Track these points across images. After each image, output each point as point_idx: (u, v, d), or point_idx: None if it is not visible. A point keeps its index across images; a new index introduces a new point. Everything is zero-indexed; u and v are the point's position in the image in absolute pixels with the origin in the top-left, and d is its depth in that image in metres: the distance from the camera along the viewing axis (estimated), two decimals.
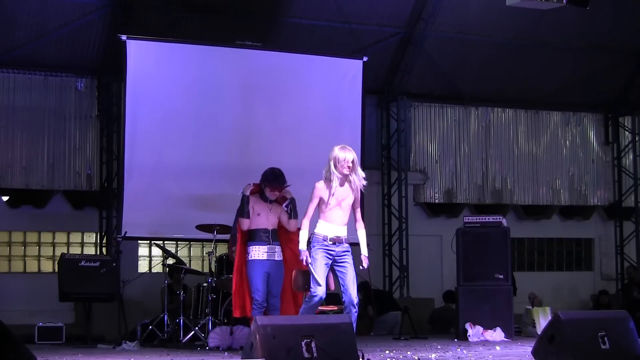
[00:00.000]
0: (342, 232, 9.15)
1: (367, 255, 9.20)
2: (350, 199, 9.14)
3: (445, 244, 15.65)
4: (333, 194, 9.05)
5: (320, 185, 9.09)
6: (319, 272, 9.06)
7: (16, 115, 15.15)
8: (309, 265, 9.07)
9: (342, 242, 9.12)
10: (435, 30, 16.71)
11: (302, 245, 9.15)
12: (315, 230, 9.12)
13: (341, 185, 9.11)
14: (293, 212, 10.38)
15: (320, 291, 9.04)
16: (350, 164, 9.04)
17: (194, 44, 14.29)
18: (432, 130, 17.95)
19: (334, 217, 9.10)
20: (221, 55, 14.27)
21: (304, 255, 9.10)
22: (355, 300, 9.05)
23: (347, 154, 9.02)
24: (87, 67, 15.45)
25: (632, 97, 19.07)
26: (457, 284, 13.18)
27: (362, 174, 9.20)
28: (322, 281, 9.07)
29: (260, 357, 7.26)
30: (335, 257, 9.10)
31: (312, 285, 9.09)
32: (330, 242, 9.08)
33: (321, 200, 9.07)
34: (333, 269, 9.18)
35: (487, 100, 18.28)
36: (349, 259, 9.12)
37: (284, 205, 10.43)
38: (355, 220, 9.31)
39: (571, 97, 18.68)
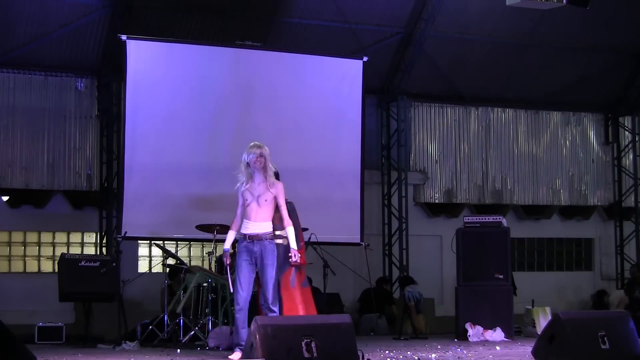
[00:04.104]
0: (260, 229, 9.04)
1: (296, 249, 9.17)
2: (267, 195, 9.04)
3: (445, 244, 15.66)
4: (247, 189, 9.04)
5: (239, 183, 9.20)
6: (242, 277, 8.99)
7: (16, 115, 15.15)
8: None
9: (262, 240, 9.00)
10: (435, 30, 16.70)
11: (226, 244, 9.23)
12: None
13: (257, 181, 9.06)
14: None
15: (240, 298, 8.96)
16: (259, 158, 9.08)
17: (194, 44, 14.30)
18: (432, 130, 17.94)
19: (251, 213, 9.05)
20: (221, 55, 14.27)
21: (225, 257, 9.18)
22: (270, 300, 8.98)
23: (255, 150, 9.15)
24: (87, 67, 15.45)
25: (632, 97, 19.07)
26: (457, 284, 13.19)
27: (272, 168, 9.20)
28: (245, 286, 8.97)
29: (260, 357, 7.27)
30: (256, 256, 9.03)
31: (235, 292, 9.00)
32: (249, 240, 9.01)
33: (242, 197, 9.13)
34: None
35: (487, 100, 18.27)
36: (269, 259, 9.02)
37: None
38: (281, 219, 9.24)
39: (571, 97, 18.68)
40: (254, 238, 8.99)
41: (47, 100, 15.33)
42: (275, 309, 9.01)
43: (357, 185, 14.62)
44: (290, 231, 9.16)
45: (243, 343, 8.87)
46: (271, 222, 9.11)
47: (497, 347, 11.21)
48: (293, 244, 9.16)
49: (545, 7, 14.75)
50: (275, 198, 9.09)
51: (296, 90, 14.44)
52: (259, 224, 9.02)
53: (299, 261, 9.32)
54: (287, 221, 9.17)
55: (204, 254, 15.89)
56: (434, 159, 17.93)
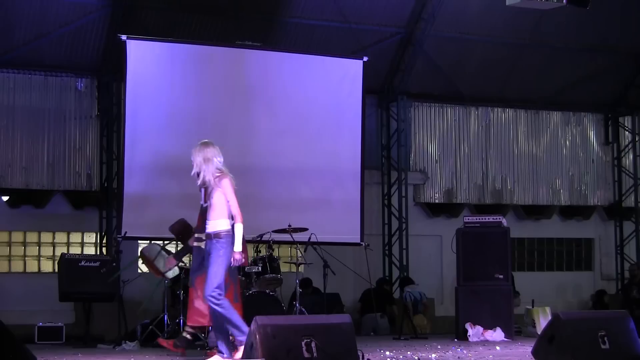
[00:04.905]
0: (211, 228, 8.83)
1: (240, 249, 8.77)
2: (214, 193, 8.79)
3: (445, 244, 15.65)
4: (201, 190, 8.95)
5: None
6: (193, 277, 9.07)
7: (16, 115, 15.16)
8: None
9: (211, 238, 8.80)
10: (435, 31, 16.70)
11: None
12: None
13: (207, 180, 8.87)
14: None
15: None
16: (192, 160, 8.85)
17: (194, 44, 14.30)
18: (432, 130, 17.95)
19: (207, 212, 8.95)
20: (221, 55, 14.27)
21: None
22: (208, 293, 8.66)
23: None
24: (87, 67, 15.45)
25: (632, 97, 19.07)
26: (457, 284, 13.18)
27: (211, 169, 8.79)
28: (198, 286, 8.95)
29: (260, 357, 7.26)
30: (204, 255, 8.99)
31: None
32: (204, 238, 8.99)
33: None
34: None
35: (487, 100, 18.28)
36: (213, 254, 8.74)
37: None
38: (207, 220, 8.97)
39: (571, 97, 18.68)
40: (206, 236, 8.95)
41: (47, 100, 15.33)
42: (213, 305, 8.75)
43: (357, 185, 14.62)
44: (238, 229, 8.76)
45: (217, 344, 8.90)
46: (223, 220, 8.77)
47: (497, 347, 11.21)
48: (237, 245, 8.73)
49: (545, 7, 14.75)
50: (224, 195, 8.78)
51: (296, 90, 14.44)
52: (210, 222, 8.87)
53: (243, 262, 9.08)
54: (237, 217, 8.76)
55: None
56: (434, 159, 17.93)
